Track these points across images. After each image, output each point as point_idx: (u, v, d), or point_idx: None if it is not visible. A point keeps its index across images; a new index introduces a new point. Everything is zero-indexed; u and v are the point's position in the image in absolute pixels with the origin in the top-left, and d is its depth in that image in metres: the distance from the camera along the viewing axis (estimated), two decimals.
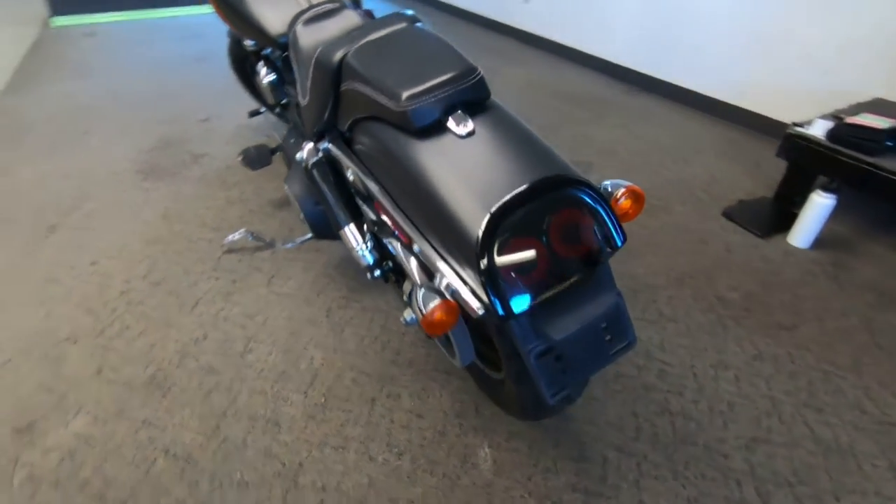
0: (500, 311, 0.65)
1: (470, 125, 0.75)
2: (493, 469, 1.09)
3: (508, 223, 0.64)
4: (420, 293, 0.67)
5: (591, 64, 3.48)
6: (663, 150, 2.41)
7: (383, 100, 0.76)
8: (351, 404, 1.22)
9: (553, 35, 3.74)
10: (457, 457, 1.11)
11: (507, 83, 3.23)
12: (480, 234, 0.63)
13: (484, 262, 0.63)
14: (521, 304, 0.65)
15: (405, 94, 0.74)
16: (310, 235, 1.33)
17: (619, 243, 0.71)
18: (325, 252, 1.72)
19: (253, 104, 2.45)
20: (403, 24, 0.90)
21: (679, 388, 1.27)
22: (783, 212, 1.90)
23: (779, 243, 1.78)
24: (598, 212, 0.69)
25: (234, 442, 1.14)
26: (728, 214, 1.93)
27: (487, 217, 0.64)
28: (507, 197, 0.64)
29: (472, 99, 0.78)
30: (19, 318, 1.46)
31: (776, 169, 2.19)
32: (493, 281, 0.64)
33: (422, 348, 1.37)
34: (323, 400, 1.23)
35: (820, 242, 1.76)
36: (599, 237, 0.69)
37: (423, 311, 0.66)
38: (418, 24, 0.93)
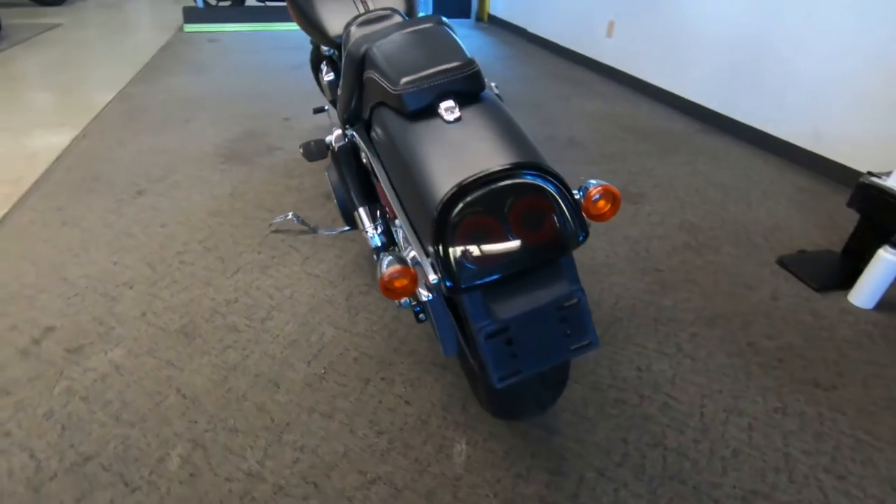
0: (448, 282, 0.68)
1: (457, 112, 0.80)
2: (465, 464, 1.09)
3: (470, 201, 0.67)
4: (385, 259, 0.72)
5: (667, 100, 3.40)
6: (727, 190, 2.29)
7: (387, 85, 0.83)
8: (347, 379, 1.28)
9: (632, 69, 3.70)
10: (433, 446, 1.13)
11: (577, 112, 3.24)
12: (440, 208, 0.67)
13: (441, 235, 0.66)
14: (470, 278, 0.68)
15: (403, 80, 0.81)
16: (348, 227, 1.43)
17: (580, 238, 0.71)
18: (360, 243, 1.82)
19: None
20: (429, 24, 0.98)
21: (681, 424, 1.20)
22: (848, 267, 1.73)
23: (836, 300, 1.63)
24: (562, 204, 0.70)
25: (236, 393, 1.24)
26: (784, 263, 1.79)
27: (449, 192, 0.68)
28: (472, 176, 0.68)
29: (466, 89, 0.83)
30: (95, 261, 1.69)
31: (850, 222, 2.01)
32: (447, 253, 0.67)
33: (426, 342, 1.40)
34: (322, 371, 1.30)
35: (884, 304, 1.58)
36: (562, 229, 0.70)
37: (381, 274, 0.70)
38: (442, 25, 0.99)
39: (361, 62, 0.96)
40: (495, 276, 0.69)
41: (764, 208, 2.15)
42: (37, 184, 2.17)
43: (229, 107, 3.11)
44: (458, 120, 0.79)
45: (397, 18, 1.34)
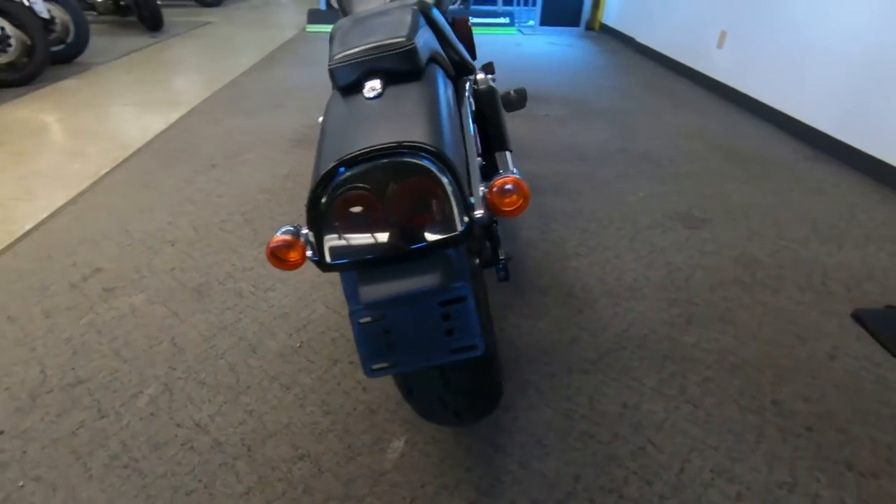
0: (316, 258, 0.66)
1: (378, 89, 0.77)
2: (395, 462, 1.06)
3: (347, 177, 0.65)
4: (281, 228, 0.72)
5: (776, 120, 2.99)
6: (817, 227, 1.95)
7: (329, 60, 0.83)
8: (318, 357, 1.31)
9: (740, 84, 3.31)
10: (371, 436, 1.11)
11: (663, 126, 2.98)
12: (315, 181, 0.65)
13: (313, 210, 0.65)
14: (338, 256, 0.65)
15: (337, 56, 0.80)
16: None
17: (459, 229, 0.65)
18: None
19: None
20: (403, 5, 0.96)
21: (651, 475, 1.04)
22: None
23: None
24: (448, 191, 0.64)
25: (217, 350, 1.32)
26: (860, 318, 1.48)
27: (326, 167, 0.66)
28: (352, 152, 0.65)
29: (395, 68, 0.80)
30: (155, 219, 1.92)
31: None
32: (317, 228, 0.65)
33: None
34: (298, 345, 1.34)
35: None
36: (441, 217, 0.64)
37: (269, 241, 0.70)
38: (414, 6, 0.96)
39: (331, 40, 0.98)
40: (365, 258, 0.65)
41: (860, 253, 1.79)
42: (139, 150, 2.52)
43: (321, 97, 3.35)
44: (377, 97, 0.76)
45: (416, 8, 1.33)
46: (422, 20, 0.93)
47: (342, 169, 0.65)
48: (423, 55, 0.82)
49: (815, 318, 1.48)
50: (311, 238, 0.66)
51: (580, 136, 2.80)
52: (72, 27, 3.92)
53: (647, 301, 1.53)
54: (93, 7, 5.35)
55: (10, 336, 1.36)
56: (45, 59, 3.48)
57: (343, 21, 0.96)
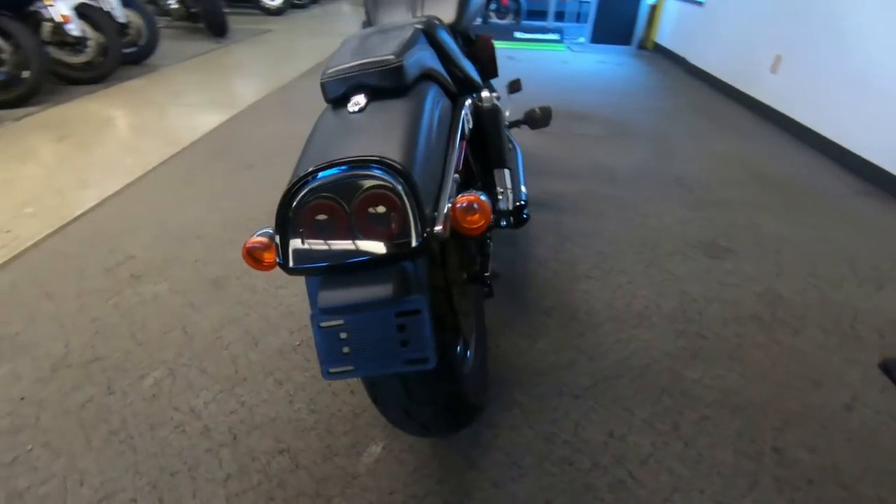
0: (280, 260, 0.69)
1: (361, 104, 0.80)
2: (369, 466, 1.07)
3: (318, 186, 0.68)
4: (260, 230, 0.76)
5: (829, 151, 2.83)
6: (855, 267, 1.83)
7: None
8: (313, 356, 1.35)
9: (792, 111, 3.16)
10: (351, 439, 1.13)
11: (702, 151, 2.88)
12: (286, 189, 0.69)
13: (281, 215, 0.68)
14: (300, 260, 0.68)
15: (328, 70, 0.84)
16: None
17: (414, 244, 0.66)
18: None
19: None
20: (407, 24, 0.99)
21: None
22: None
23: None
24: (406, 205, 0.66)
25: (223, 342, 1.39)
26: (888, 368, 1.37)
27: (296, 176, 0.69)
28: (321, 163, 0.68)
29: (380, 84, 0.82)
30: (189, 214, 2.04)
31: None
32: (283, 233, 0.69)
33: None
34: (297, 343, 1.39)
35: None
36: (398, 230, 0.66)
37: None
38: (419, 26, 0.99)
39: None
40: (324, 264, 0.68)
41: None
42: (186, 148, 2.69)
43: None
44: (359, 111, 0.80)
45: (437, 22, 1.37)
46: (422, 39, 0.96)
47: (310, 178, 0.68)
48: (413, 73, 0.85)
49: (837, 363, 1.39)
50: (278, 241, 0.70)
51: (614, 156, 2.75)
52: (144, 31, 4.24)
53: (654, 330, 1.48)
54: (167, 13, 5.77)
55: (45, 311, 1.49)
56: (118, 60, 3.79)
57: (350, 37, 1.00)
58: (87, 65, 3.66)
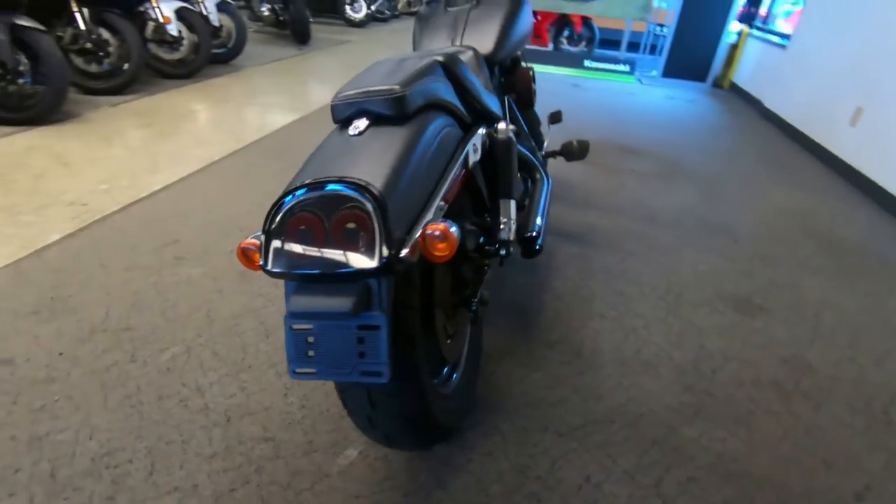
0: (262, 262, 0.76)
1: (360, 128, 0.86)
2: (342, 468, 1.12)
3: (303, 199, 0.74)
4: (253, 234, 0.83)
5: None
6: None
7: None
8: None
9: (870, 169, 2.95)
10: (332, 438, 1.18)
11: (758, 200, 2.75)
12: (276, 199, 0.76)
13: (268, 223, 0.75)
14: (278, 265, 0.74)
15: (339, 94, 0.91)
16: None
17: (375, 264, 0.70)
18: None
19: None
20: (435, 54, 1.05)
21: None
22: None
23: None
24: (375, 229, 0.71)
25: (239, 329, 1.50)
26: None
27: (289, 188, 0.76)
28: (309, 180, 0.75)
29: (382, 111, 0.88)
30: (237, 206, 2.21)
31: None
32: (269, 239, 0.75)
33: None
34: None
35: None
36: (364, 249, 0.71)
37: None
38: (447, 60, 1.05)
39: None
40: (298, 272, 0.74)
41: None
42: (250, 144, 2.91)
43: None
44: (358, 135, 0.86)
45: (468, 54, 1.42)
46: (437, 71, 1.02)
47: (298, 192, 0.75)
48: (416, 103, 0.90)
49: (857, 447, 1.28)
50: (263, 245, 0.77)
51: (660, 195, 2.68)
52: (234, 34, 4.63)
53: (659, 380, 1.44)
54: (260, 19, 6.25)
55: (96, 279, 1.66)
56: (207, 59, 4.16)
57: (376, 63, 1.07)
58: (180, 62, 4.04)
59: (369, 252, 0.71)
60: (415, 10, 1.83)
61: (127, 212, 2.10)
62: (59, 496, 1.02)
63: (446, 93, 1.03)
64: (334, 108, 0.91)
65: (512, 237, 1.18)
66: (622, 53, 5.90)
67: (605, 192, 2.66)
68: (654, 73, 5.66)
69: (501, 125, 1.20)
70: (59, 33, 3.25)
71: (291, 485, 1.08)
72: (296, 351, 0.78)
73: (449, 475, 1.12)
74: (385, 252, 0.71)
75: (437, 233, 0.75)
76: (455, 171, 0.95)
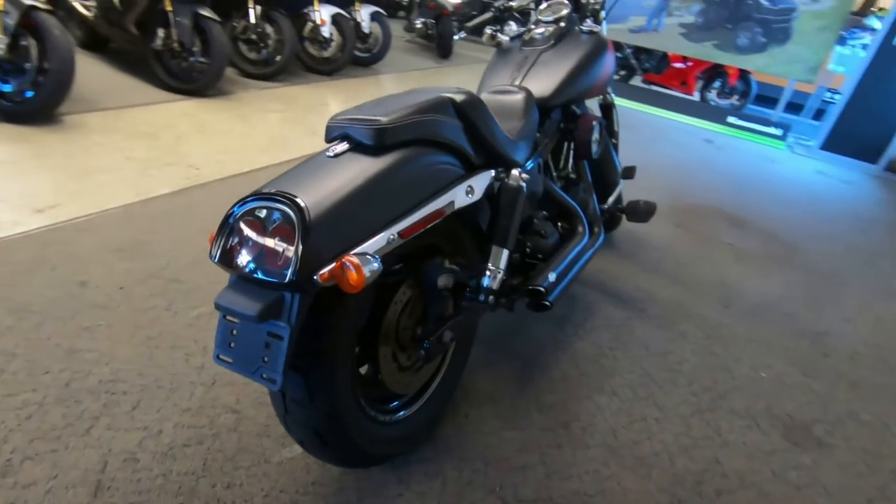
0: (209, 252, 0.84)
1: (337, 151, 0.90)
2: (282, 459, 1.18)
3: (255, 207, 0.81)
4: None
5: None
6: None
7: None
8: None
9: None
10: (283, 434, 1.24)
11: (882, 316, 2.29)
12: (235, 202, 0.84)
13: (224, 220, 0.83)
14: (219, 258, 0.81)
15: (334, 116, 0.96)
16: None
17: (284, 279, 0.73)
18: None
19: None
20: (447, 92, 1.06)
21: None
22: None
23: None
24: (297, 246, 0.74)
25: None
26: None
27: (252, 192, 0.83)
28: (266, 189, 0.81)
29: (360, 139, 0.91)
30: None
31: None
32: (219, 234, 0.83)
33: None
34: None
35: None
36: (280, 261, 0.75)
37: None
38: (459, 98, 1.05)
39: None
40: (227, 267, 0.80)
41: None
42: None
43: None
44: (333, 157, 0.90)
45: (517, 96, 1.40)
46: (444, 108, 1.03)
47: (249, 198, 0.83)
48: (400, 136, 0.93)
49: None
50: (215, 237, 0.85)
51: (750, 279, 2.35)
52: (380, 42, 5.04)
53: (645, 483, 1.28)
54: (412, 30, 6.72)
55: (175, 233, 1.95)
56: (349, 60, 4.60)
57: (392, 94, 1.12)
58: (326, 59, 4.51)
59: (285, 266, 0.76)
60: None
61: (225, 181, 2.41)
62: (63, 402, 1.23)
63: (450, 131, 1.04)
64: (327, 129, 0.98)
65: (496, 286, 1.15)
66: (777, 114, 5.27)
67: (684, 262, 2.41)
68: (812, 142, 4.95)
69: (514, 172, 1.17)
70: (234, 24, 3.85)
71: (233, 459, 1.16)
72: (221, 339, 0.85)
73: (373, 501, 1.12)
74: (295, 269, 0.75)
75: (349, 265, 0.77)
76: (428, 208, 0.96)
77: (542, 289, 1.32)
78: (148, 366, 1.36)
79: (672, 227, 2.76)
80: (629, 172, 2.06)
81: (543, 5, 1.73)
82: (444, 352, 1.13)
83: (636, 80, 6.32)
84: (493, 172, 1.15)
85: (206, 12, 3.24)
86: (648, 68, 6.13)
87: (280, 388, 0.80)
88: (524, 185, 1.17)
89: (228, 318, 0.85)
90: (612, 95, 2.13)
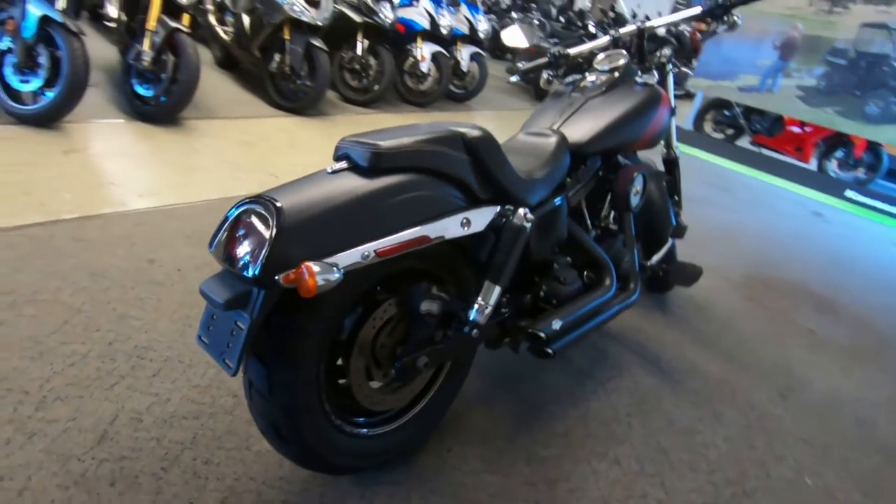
0: (209, 245, 0.93)
1: (336, 168, 0.97)
2: (261, 450, 1.24)
3: (249, 208, 0.89)
4: None
5: None
6: None
7: None
8: None
9: None
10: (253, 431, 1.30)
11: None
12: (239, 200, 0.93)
13: (226, 213, 0.93)
14: (210, 247, 0.90)
15: (344, 138, 1.03)
16: None
17: (249, 274, 0.80)
18: None
19: None
20: (459, 126, 1.09)
21: None
22: None
23: None
24: (267, 246, 0.81)
25: None
26: None
27: (252, 195, 0.92)
28: (263, 193, 0.89)
29: (358, 161, 0.97)
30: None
31: None
32: (220, 226, 0.92)
33: None
34: None
35: None
36: (249, 259, 0.82)
37: None
38: (471, 134, 1.08)
39: None
40: (214, 256, 0.89)
41: None
42: None
43: None
44: (332, 173, 0.97)
45: (549, 139, 1.40)
46: (454, 143, 1.07)
47: (245, 200, 0.92)
48: (395, 162, 0.98)
49: None
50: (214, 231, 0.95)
51: (821, 372, 2.06)
52: (476, 80, 5.26)
53: None
54: (513, 71, 6.90)
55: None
56: (443, 95, 4.84)
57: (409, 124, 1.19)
58: (421, 92, 4.79)
59: (253, 263, 0.83)
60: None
61: None
62: (101, 358, 1.40)
63: (455, 164, 1.07)
64: (336, 148, 1.06)
65: (483, 321, 1.14)
66: None
67: (746, 339, 2.18)
68: None
69: (520, 211, 1.17)
70: (343, 54, 4.24)
71: (220, 439, 1.25)
72: (204, 321, 0.94)
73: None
74: (260, 267, 0.82)
75: (305, 271, 0.82)
76: (412, 232, 0.99)
77: (542, 335, 1.28)
78: (178, 341, 1.52)
79: (742, 299, 2.51)
80: (678, 231, 1.93)
81: (601, 56, 1.72)
82: (416, 376, 1.14)
83: (744, 142, 5.91)
84: (497, 209, 1.16)
85: (316, 42, 3.62)
86: (759, 130, 5.71)
87: (234, 374, 0.86)
88: (527, 224, 1.16)
89: (210, 306, 0.94)
90: (678, 151, 2.04)
